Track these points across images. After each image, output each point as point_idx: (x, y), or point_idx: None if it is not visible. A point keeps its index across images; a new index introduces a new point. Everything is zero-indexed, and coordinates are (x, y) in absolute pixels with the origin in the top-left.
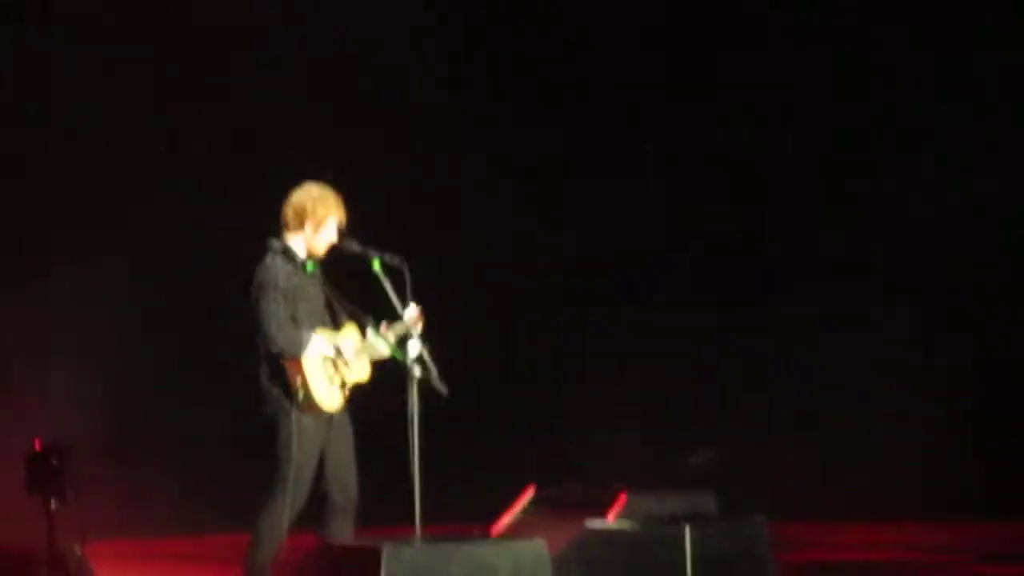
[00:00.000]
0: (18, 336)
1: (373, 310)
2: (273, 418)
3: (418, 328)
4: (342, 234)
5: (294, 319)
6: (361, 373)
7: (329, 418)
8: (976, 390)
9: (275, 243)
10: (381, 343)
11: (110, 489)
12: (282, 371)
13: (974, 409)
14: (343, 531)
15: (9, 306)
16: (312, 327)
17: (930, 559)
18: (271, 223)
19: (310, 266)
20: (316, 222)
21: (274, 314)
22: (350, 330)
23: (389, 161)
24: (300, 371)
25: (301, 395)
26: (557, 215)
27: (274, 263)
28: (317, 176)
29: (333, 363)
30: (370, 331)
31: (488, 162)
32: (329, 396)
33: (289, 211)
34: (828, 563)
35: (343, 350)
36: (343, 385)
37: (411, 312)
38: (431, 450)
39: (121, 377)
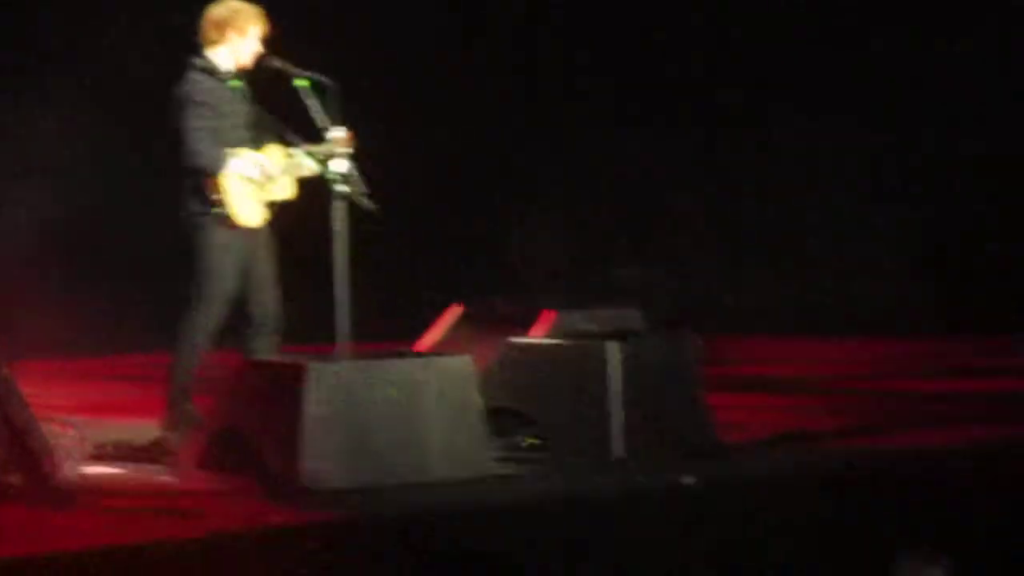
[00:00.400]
0: None
1: (301, 129)
2: (191, 234)
3: (346, 149)
4: (265, 47)
5: (216, 134)
6: (284, 191)
7: (250, 234)
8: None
9: (196, 60)
10: (308, 160)
11: (36, 308)
12: (202, 186)
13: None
14: (266, 349)
15: None
16: (235, 144)
17: (854, 371)
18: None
19: (234, 82)
20: (239, 30)
21: (195, 129)
22: (273, 148)
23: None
24: (219, 187)
25: (219, 210)
26: (484, 39)
27: (196, 77)
28: None
29: (254, 181)
30: (295, 148)
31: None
32: (249, 213)
33: (209, 25)
34: (757, 377)
35: (265, 168)
36: (263, 202)
37: (338, 133)
38: (358, 268)
39: (50, 197)
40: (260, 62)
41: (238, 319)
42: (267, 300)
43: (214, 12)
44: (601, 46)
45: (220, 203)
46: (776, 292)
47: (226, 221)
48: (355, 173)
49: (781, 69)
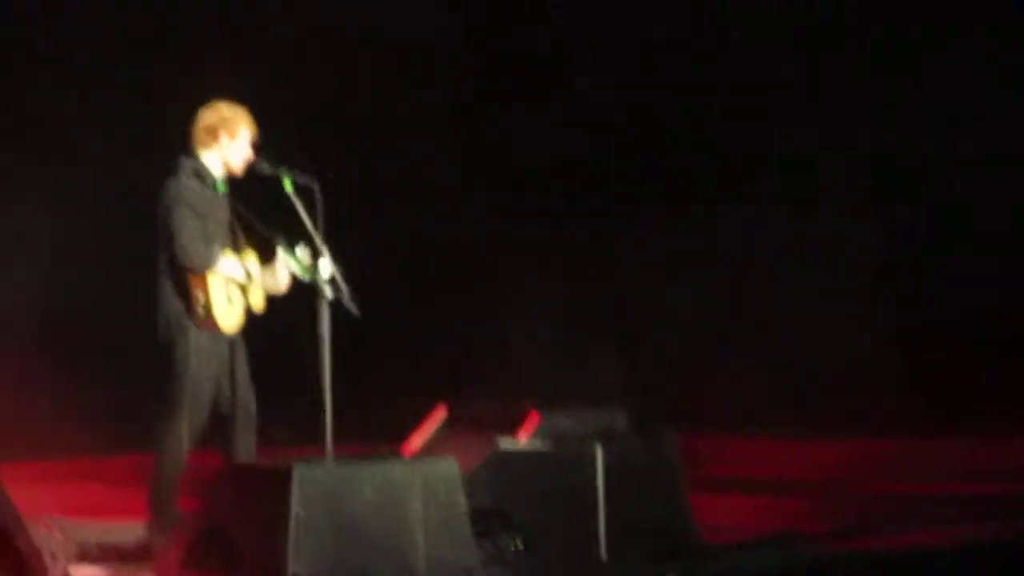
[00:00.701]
0: None
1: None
2: (171, 338)
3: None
4: (256, 150)
5: (204, 236)
6: (257, 302)
7: (227, 339)
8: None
9: (185, 161)
10: (292, 262)
11: (15, 410)
12: (186, 286)
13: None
14: (246, 450)
15: None
16: (218, 246)
17: (835, 474)
18: (182, 143)
19: (221, 186)
20: (230, 134)
21: (187, 227)
22: (251, 256)
23: (296, 82)
24: (204, 287)
25: (201, 311)
26: (467, 131)
27: (186, 181)
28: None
29: (237, 285)
30: (281, 250)
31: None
32: (228, 316)
33: (201, 128)
34: (740, 478)
35: (249, 271)
36: (241, 308)
37: (304, 254)
38: (341, 371)
39: (31, 302)
40: (249, 166)
41: (219, 420)
42: (247, 400)
43: (205, 116)
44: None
45: (203, 304)
46: (762, 389)
47: (206, 322)
48: (338, 276)
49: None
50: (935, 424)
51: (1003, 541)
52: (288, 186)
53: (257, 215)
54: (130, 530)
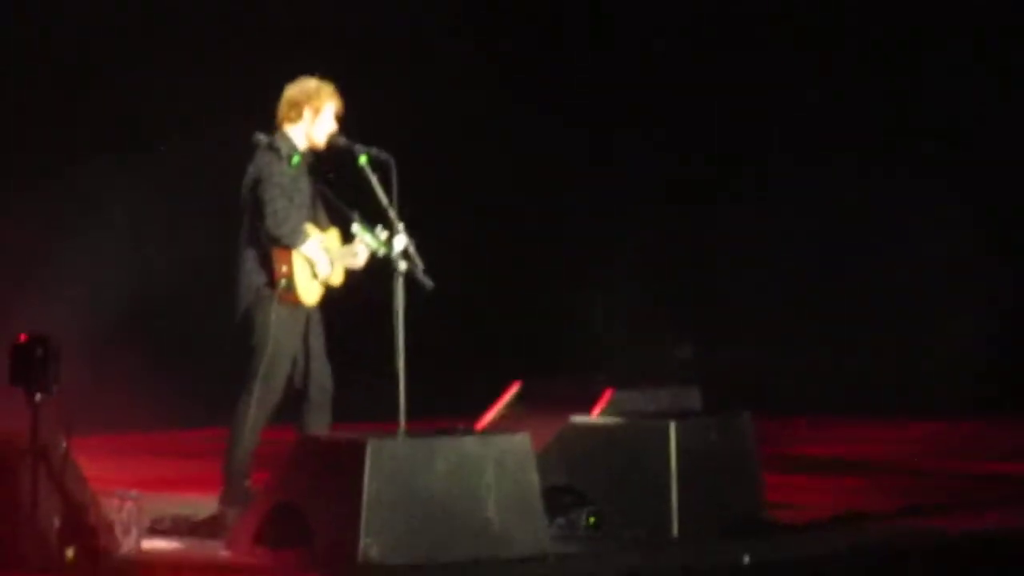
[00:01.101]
0: (18, 232)
1: (365, 204)
2: (251, 310)
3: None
4: (340, 123)
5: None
6: (337, 276)
7: (306, 312)
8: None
9: (261, 137)
10: (368, 236)
11: (95, 383)
12: (269, 259)
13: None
14: (320, 425)
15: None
16: (304, 221)
17: (908, 453)
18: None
19: (295, 159)
20: (315, 109)
21: (279, 199)
22: (333, 233)
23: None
24: (289, 261)
25: (284, 283)
26: (545, 112)
27: (268, 156)
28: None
29: (314, 263)
30: (356, 225)
31: (475, 55)
32: (309, 290)
33: (285, 104)
34: (812, 457)
35: (329, 251)
36: (321, 282)
37: (384, 233)
38: (417, 345)
39: (109, 274)
40: (329, 140)
41: (293, 395)
42: (323, 376)
43: (291, 91)
44: (650, 117)
45: (286, 276)
46: (835, 370)
47: (288, 296)
48: (412, 250)
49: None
50: (1006, 405)
51: None
52: (364, 160)
53: (335, 190)
54: (203, 504)
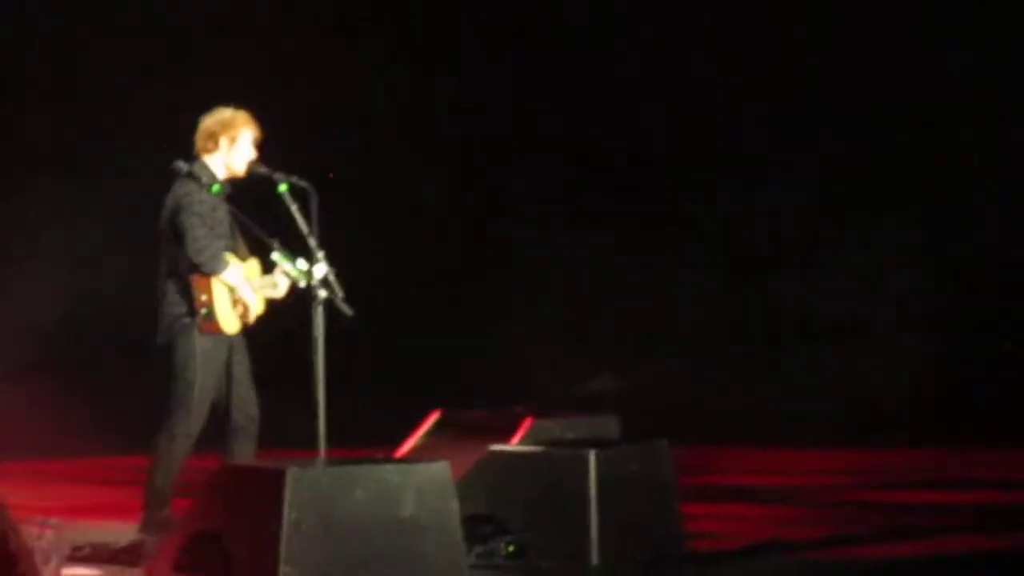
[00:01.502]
0: None
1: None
2: (173, 340)
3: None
4: (259, 150)
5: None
6: (258, 306)
7: (228, 341)
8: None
9: (181, 165)
10: (288, 265)
11: (17, 410)
12: (189, 287)
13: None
14: (245, 452)
15: None
16: (224, 250)
17: (829, 483)
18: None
19: (215, 188)
20: (230, 138)
21: (197, 227)
22: (253, 262)
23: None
24: (208, 289)
25: (204, 312)
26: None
27: (188, 185)
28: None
29: (235, 290)
30: (276, 252)
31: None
32: (230, 319)
33: (202, 134)
34: (730, 486)
35: (250, 280)
36: (244, 312)
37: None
38: (334, 373)
39: (37, 299)
40: (249, 169)
41: (217, 422)
42: (247, 403)
43: (206, 122)
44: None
45: (206, 305)
46: (755, 398)
47: (208, 325)
48: (332, 278)
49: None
50: (926, 433)
51: (1001, 551)
52: (283, 188)
53: (253, 219)
54: (123, 532)
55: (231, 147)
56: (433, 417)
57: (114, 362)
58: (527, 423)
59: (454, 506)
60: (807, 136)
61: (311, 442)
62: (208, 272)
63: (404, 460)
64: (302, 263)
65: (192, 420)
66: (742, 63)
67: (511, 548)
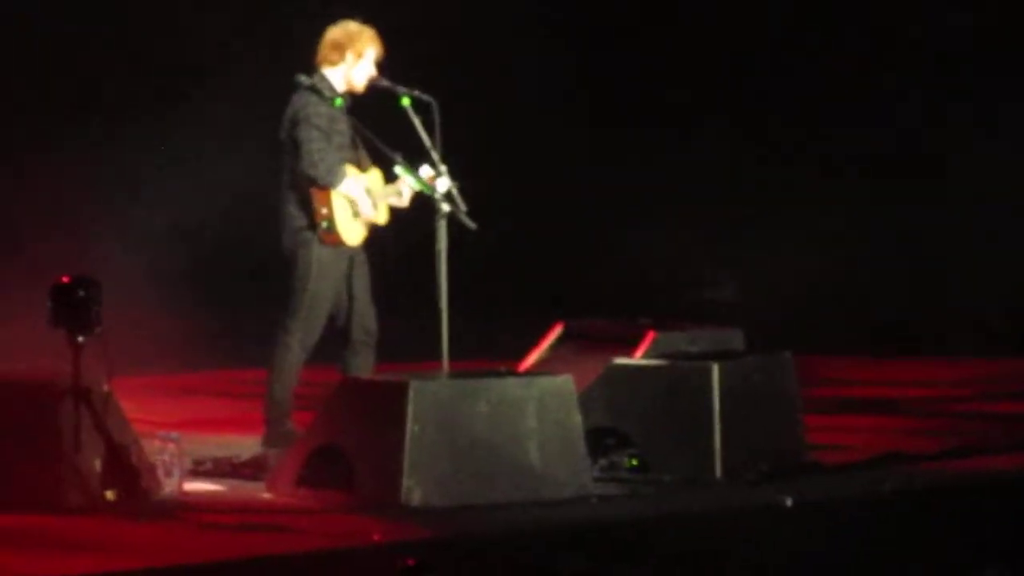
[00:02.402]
0: (61, 181)
1: (407, 146)
2: (293, 250)
3: (444, 170)
4: (381, 69)
5: (330, 151)
6: (379, 216)
7: (348, 253)
8: None
9: (303, 79)
10: (410, 178)
11: (137, 324)
12: (309, 200)
13: None
14: (364, 367)
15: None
16: (343, 162)
17: (950, 394)
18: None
19: (338, 101)
20: (356, 52)
21: (315, 140)
22: (375, 173)
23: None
24: (328, 202)
25: (325, 224)
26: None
27: (310, 97)
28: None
29: (355, 203)
30: (399, 166)
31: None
32: (351, 230)
33: (327, 45)
34: (854, 398)
35: (372, 191)
36: (363, 223)
37: (429, 171)
38: (459, 285)
39: (152, 214)
40: (370, 83)
41: (336, 336)
42: (366, 317)
43: (333, 33)
44: (686, 59)
45: (326, 218)
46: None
47: (329, 236)
48: (455, 192)
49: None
50: None
51: None
52: (406, 102)
53: (377, 131)
54: (245, 445)
55: (356, 61)
56: (556, 330)
57: (235, 274)
58: (650, 336)
59: (577, 419)
60: None
61: (436, 355)
62: (325, 184)
63: (527, 373)
64: (425, 173)
65: (307, 331)
66: None
67: (634, 461)
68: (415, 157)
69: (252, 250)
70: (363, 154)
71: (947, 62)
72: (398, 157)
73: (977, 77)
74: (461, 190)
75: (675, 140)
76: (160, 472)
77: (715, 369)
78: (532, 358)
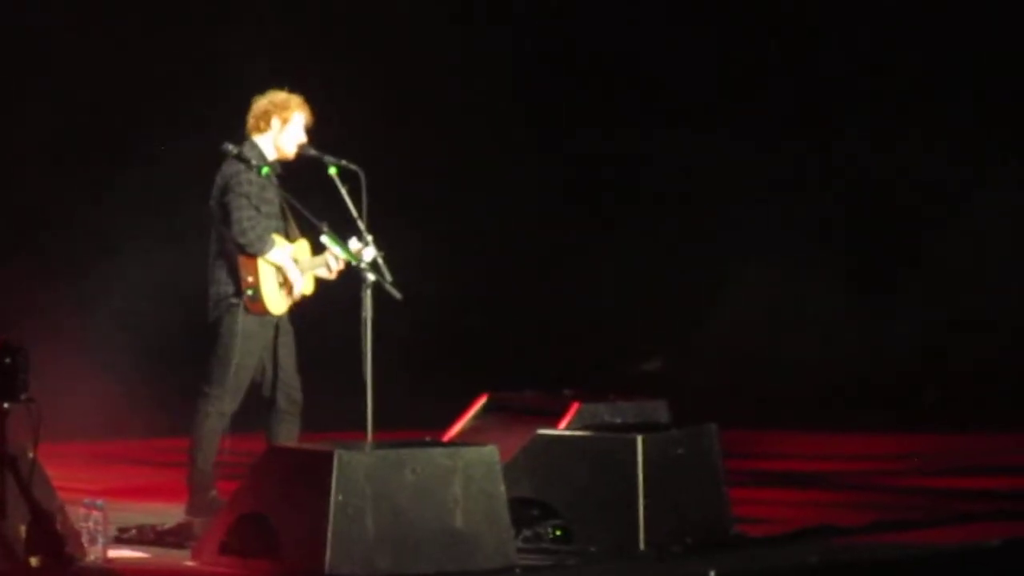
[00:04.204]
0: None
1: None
2: (218, 317)
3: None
4: (309, 135)
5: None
6: (307, 286)
7: (274, 322)
8: None
9: (230, 147)
10: (336, 247)
11: (62, 392)
12: (236, 268)
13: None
14: (288, 435)
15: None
16: (272, 230)
17: (876, 467)
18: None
19: (264, 169)
20: (283, 119)
21: (245, 208)
22: (303, 243)
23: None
24: (255, 270)
25: (251, 292)
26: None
27: (236, 165)
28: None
29: (283, 270)
30: (326, 235)
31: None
32: (277, 299)
33: (254, 114)
34: (779, 471)
35: (299, 260)
36: (290, 292)
37: (357, 245)
38: (383, 356)
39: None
40: (299, 151)
41: (260, 405)
42: (290, 387)
43: (260, 101)
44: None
45: (252, 286)
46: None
47: (255, 305)
48: (381, 261)
49: None
50: (970, 418)
51: None
52: (333, 171)
53: (303, 202)
54: (170, 513)
55: (283, 128)
56: (481, 400)
57: (164, 343)
58: (575, 407)
59: (502, 489)
60: None
61: (360, 425)
62: (254, 252)
63: (452, 443)
64: (354, 243)
65: (227, 399)
66: None
67: (558, 532)
68: (342, 224)
69: (180, 319)
70: (291, 224)
71: None
72: (324, 227)
73: None
74: (386, 259)
75: (610, 212)
76: (85, 539)
77: (640, 441)
78: (456, 428)
